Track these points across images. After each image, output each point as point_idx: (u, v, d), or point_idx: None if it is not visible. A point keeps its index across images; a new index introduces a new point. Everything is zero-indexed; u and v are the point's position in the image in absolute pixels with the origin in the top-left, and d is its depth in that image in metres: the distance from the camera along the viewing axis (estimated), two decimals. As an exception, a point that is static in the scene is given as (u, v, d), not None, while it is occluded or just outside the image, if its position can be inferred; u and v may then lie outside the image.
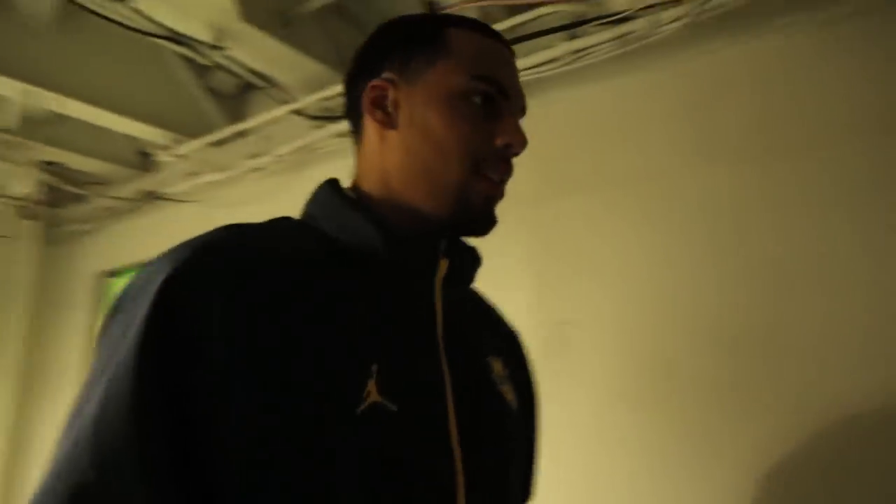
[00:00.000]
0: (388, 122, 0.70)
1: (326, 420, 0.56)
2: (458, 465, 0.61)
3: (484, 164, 0.68)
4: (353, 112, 0.74)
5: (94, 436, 0.52)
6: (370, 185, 0.72)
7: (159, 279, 0.55)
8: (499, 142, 0.69)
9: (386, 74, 0.70)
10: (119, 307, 0.58)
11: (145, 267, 0.60)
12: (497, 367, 0.74)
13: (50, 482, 0.52)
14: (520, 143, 0.69)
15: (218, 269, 0.57)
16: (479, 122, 0.69)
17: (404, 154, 0.69)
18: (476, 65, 0.69)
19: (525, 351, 0.86)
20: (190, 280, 0.56)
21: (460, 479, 0.61)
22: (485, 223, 0.70)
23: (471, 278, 0.76)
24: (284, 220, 0.70)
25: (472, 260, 0.74)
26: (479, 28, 0.73)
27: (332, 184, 0.73)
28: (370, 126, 0.72)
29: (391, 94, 0.70)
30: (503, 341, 0.83)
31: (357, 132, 0.74)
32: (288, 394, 0.55)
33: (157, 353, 0.53)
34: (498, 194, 0.71)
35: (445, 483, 0.60)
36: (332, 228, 0.69)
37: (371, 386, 0.58)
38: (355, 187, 0.73)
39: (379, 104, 0.70)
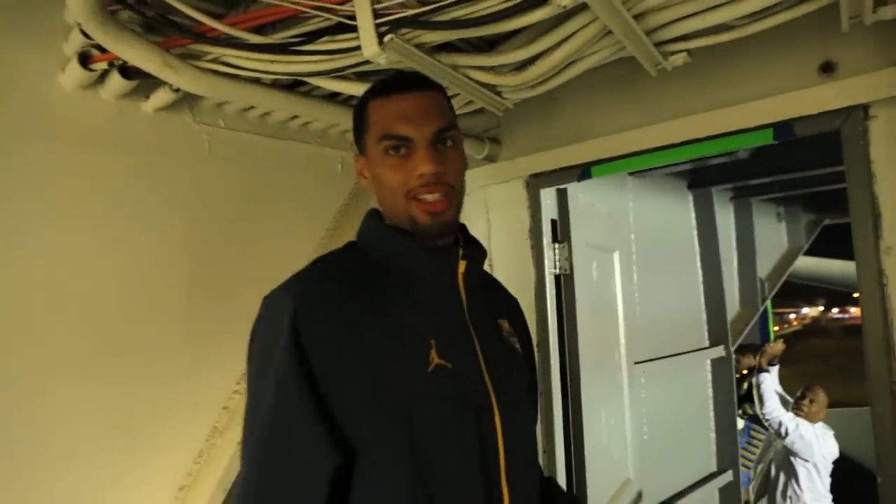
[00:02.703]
0: (367, 182, 1.08)
1: (410, 378, 0.95)
2: (491, 393, 1.01)
3: (414, 192, 1.00)
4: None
5: (274, 422, 0.92)
6: (387, 218, 1.07)
7: (288, 315, 0.92)
8: (416, 173, 1.00)
9: (356, 151, 1.10)
10: (257, 336, 0.98)
11: (272, 299, 0.98)
12: (505, 325, 1.14)
13: (253, 467, 0.92)
14: (425, 169, 0.99)
15: (321, 298, 0.95)
16: (400, 166, 1.01)
17: (379, 199, 1.07)
18: (380, 128, 1.02)
19: (521, 310, 1.25)
20: (305, 310, 0.93)
21: (493, 401, 1.01)
22: (439, 228, 1.02)
23: (481, 268, 1.13)
24: (351, 247, 1.09)
25: (482, 255, 1.12)
26: (386, 90, 1.04)
27: (377, 215, 1.09)
28: (363, 185, 1.09)
29: (360, 164, 1.09)
30: (507, 306, 1.21)
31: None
32: (384, 366, 0.94)
33: (300, 361, 0.91)
34: (436, 208, 1.01)
35: (484, 404, 1.00)
36: (380, 249, 1.05)
37: (433, 354, 0.97)
38: (386, 217, 1.08)
39: (361, 174, 1.09)
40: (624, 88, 2.14)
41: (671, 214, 4.02)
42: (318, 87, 1.81)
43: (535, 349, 2.49)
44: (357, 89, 1.71)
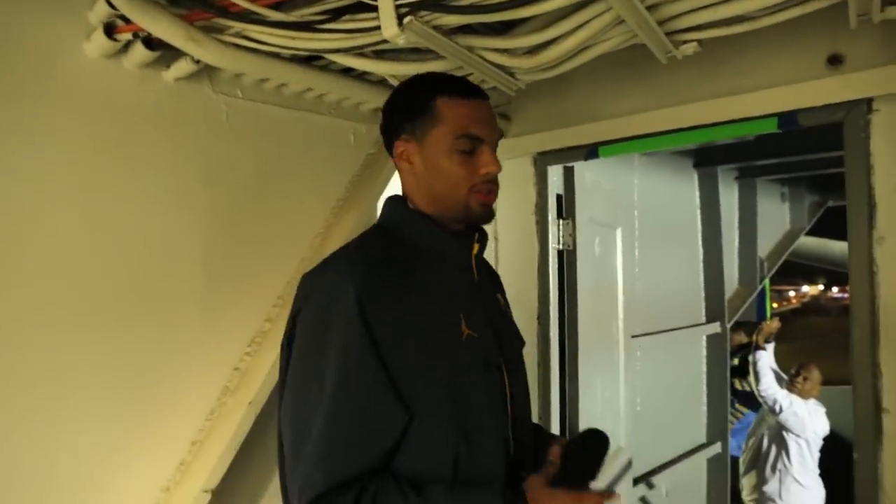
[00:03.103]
0: (411, 169, 1.16)
1: (452, 349, 1.09)
2: (500, 355, 1.17)
3: (477, 186, 1.13)
4: (390, 153, 1.20)
5: (348, 388, 1.01)
6: (417, 202, 1.18)
7: (351, 295, 1.02)
8: (481, 171, 1.13)
9: (405, 136, 1.15)
10: (313, 314, 1.07)
11: (326, 282, 1.08)
12: (501, 299, 1.33)
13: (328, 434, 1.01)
14: (493, 169, 1.13)
15: (376, 279, 1.05)
16: (467, 162, 1.13)
17: (427, 186, 1.16)
18: (457, 127, 1.12)
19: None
20: (365, 292, 1.02)
21: (503, 364, 1.17)
22: (485, 219, 1.18)
23: (484, 250, 1.25)
24: (381, 230, 1.18)
25: (486, 238, 1.24)
26: (455, 91, 1.14)
27: (402, 200, 1.19)
28: (402, 169, 1.19)
29: (410, 150, 1.16)
30: (498, 282, 1.38)
31: (395, 167, 1.20)
32: (433, 339, 1.08)
33: (370, 336, 1.01)
34: (490, 200, 1.16)
35: (497, 363, 1.16)
36: (411, 233, 1.15)
37: (463, 326, 1.12)
38: (412, 202, 1.18)
39: (404, 157, 1.17)
40: (634, 73, 2.17)
41: (675, 192, 4.06)
42: (335, 62, 1.85)
43: (536, 322, 2.58)
44: (374, 67, 1.75)
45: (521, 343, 1.34)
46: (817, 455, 4.18)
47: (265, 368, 1.90)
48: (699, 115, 2.02)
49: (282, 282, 2.09)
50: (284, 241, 2.12)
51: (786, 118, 1.88)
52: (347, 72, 2.00)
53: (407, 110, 1.16)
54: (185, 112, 1.85)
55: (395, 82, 2.00)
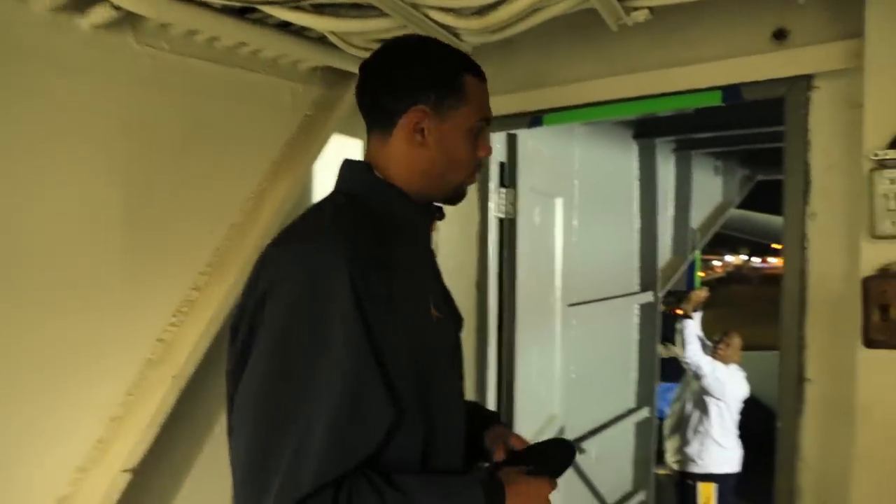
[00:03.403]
0: (421, 142, 1.05)
1: (423, 328, 1.02)
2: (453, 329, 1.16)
3: (472, 169, 1.11)
4: (382, 118, 1.06)
5: (340, 379, 0.90)
6: (395, 174, 1.07)
7: (343, 273, 0.91)
8: (481, 154, 1.11)
9: (422, 107, 1.03)
10: (295, 293, 0.93)
11: (306, 254, 0.95)
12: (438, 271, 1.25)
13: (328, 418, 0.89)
14: (490, 152, 1.14)
15: (365, 256, 0.94)
16: (475, 144, 1.09)
17: (429, 164, 1.06)
18: (480, 109, 1.08)
19: None
20: (357, 271, 0.91)
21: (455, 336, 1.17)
22: (461, 199, 1.14)
23: None
24: (351, 199, 1.05)
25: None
26: (479, 73, 1.09)
27: (367, 166, 1.08)
28: (401, 139, 1.05)
29: (425, 123, 1.04)
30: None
31: (383, 133, 1.06)
32: (413, 322, 1.00)
33: (364, 320, 0.91)
34: (474, 181, 1.14)
35: (455, 339, 1.16)
36: (378, 204, 1.05)
37: (432, 308, 1.05)
38: (381, 172, 1.07)
39: (416, 129, 1.04)
40: (582, 38, 2.13)
41: (615, 163, 4.09)
42: (271, 16, 1.73)
43: (476, 289, 2.56)
44: (312, 22, 1.65)
45: (461, 322, 1.26)
46: (737, 417, 4.37)
47: (192, 340, 1.81)
48: (646, 84, 2.00)
49: (210, 248, 1.97)
50: (214, 206, 2.00)
51: (729, 91, 1.89)
52: (284, 27, 1.88)
53: (434, 82, 1.04)
54: (105, 63, 1.69)
55: (336, 40, 1.89)
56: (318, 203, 1.09)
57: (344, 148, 2.60)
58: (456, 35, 1.87)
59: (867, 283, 1.45)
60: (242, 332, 0.97)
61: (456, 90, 1.05)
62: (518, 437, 1.18)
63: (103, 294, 1.71)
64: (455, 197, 1.13)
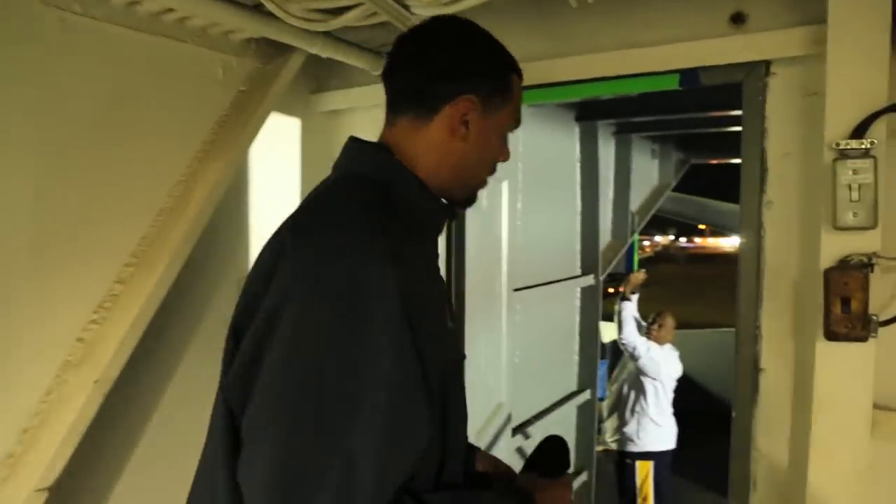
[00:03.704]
0: (463, 135, 0.96)
1: (443, 337, 0.94)
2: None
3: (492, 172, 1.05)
4: (425, 101, 0.95)
5: (390, 411, 0.79)
6: (422, 164, 0.96)
7: (389, 276, 0.81)
8: (503, 158, 1.04)
9: (474, 97, 0.95)
10: (336, 301, 0.80)
11: (343, 249, 0.82)
12: None
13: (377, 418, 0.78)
14: (509, 157, 1.06)
15: (405, 258, 0.83)
16: (503, 146, 1.04)
17: (462, 159, 0.98)
18: (517, 112, 1.04)
19: None
20: (399, 269, 0.81)
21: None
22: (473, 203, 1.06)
23: None
24: (376, 187, 0.92)
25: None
26: (521, 75, 1.05)
27: (388, 150, 0.96)
28: (443, 127, 0.95)
29: (472, 115, 0.95)
30: None
31: (419, 117, 0.96)
32: (440, 329, 0.93)
33: (411, 330, 0.81)
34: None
35: (462, 349, 1.20)
36: (401, 194, 0.93)
37: (447, 316, 0.97)
38: (404, 158, 0.96)
39: (462, 119, 0.95)
40: (538, 15, 2.04)
41: (557, 145, 4.05)
42: (200, -22, 1.55)
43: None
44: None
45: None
46: (671, 396, 4.47)
47: (116, 338, 1.64)
48: (602, 66, 1.93)
49: (136, 237, 1.80)
50: (139, 190, 1.82)
51: (687, 75, 1.84)
52: (215, -9, 1.70)
53: (489, 73, 0.98)
54: (5, 25, 1.48)
55: (273, 8, 1.73)
56: (336, 185, 0.96)
57: (282, 127, 2.44)
58: (405, 6, 1.74)
59: (828, 274, 1.43)
60: (255, 331, 0.83)
61: (503, 88, 0.99)
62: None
63: (12, 291, 1.53)
64: (470, 199, 1.05)
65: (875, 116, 1.42)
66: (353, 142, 1.00)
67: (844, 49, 1.49)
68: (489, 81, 0.97)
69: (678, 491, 4.83)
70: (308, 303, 0.80)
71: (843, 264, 1.44)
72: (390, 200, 0.91)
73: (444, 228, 2.31)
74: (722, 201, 6.46)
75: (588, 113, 4.07)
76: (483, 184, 1.04)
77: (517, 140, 3.54)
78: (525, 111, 3.28)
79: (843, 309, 1.41)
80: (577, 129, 4.18)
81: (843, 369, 1.49)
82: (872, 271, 1.42)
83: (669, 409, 4.48)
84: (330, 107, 2.55)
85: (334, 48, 2.13)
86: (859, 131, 1.44)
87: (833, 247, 1.48)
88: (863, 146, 1.43)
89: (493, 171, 1.04)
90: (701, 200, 6.58)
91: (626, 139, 4.70)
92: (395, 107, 0.98)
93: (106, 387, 1.59)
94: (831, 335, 1.43)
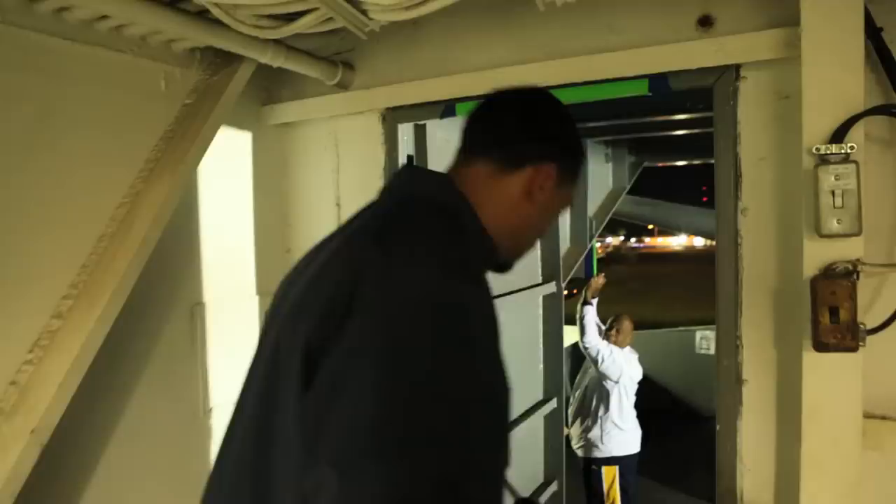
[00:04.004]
0: (535, 198, 0.97)
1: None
2: None
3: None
4: (511, 154, 0.97)
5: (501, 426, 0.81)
6: (487, 213, 0.95)
7: (487, 297, 0.83)
8: (545, 232, 1.07)
9: (554, 167, 0.97)
10: (474, 327, 0.79)
11: (471, 288, 0.82)
12: None
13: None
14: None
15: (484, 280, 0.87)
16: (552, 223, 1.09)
17: (525, 221, 1.00)
18: (572, 197, 1.05)
19: None
20: (489, 294, 0.84)
21: None
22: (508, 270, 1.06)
23: None
24: (451, 217, 0.92)
25: None
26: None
27: (459, 191, 0.95)
28: (520, 184, 0.97)
29: (548, 183, 0.97)
30: None
31: (499, 168, 0.96)
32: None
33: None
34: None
35: None
36: (468, 229, 0.93)
37: None
38: (478, 210, 0.95)
39: (539, 183, 0.96)
40: (500, 20, 1.97)
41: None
42: (138, -18, 1.42)
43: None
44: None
45: None
46: (633, 399, 4.48)
47: (55, 381, 1.48)
48: (568, 71, 1.86)
49: (74, 266, 1.64)
50: (76, 214, 1.66)
51: (656, 81, 1.79)
52: (155, -3, 1.57)
53: (572, 153, 1.03)
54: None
55: (220, 14, 1.61)
56: (413, 206, 0.93)
57: (232, 141, 2.30)
58: (363, 11, 1.64)
59: (815, 284, 1.39)
60: (351, 352, 0.77)
61: (576, 169, 1.03)
62: None
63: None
64: (510, 262, 1.04)
65: (854, 120, 1.39)
66: (417, 167, 1.11)
67: (819, 52, 1.45)
68: (570, 159, 1.01)
69: (645, 492, 4.84)
70: (418, 326, 0.77)
71: (829, 272, 1.40)
72: (460, 228, 0.92)
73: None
74: (673, 203, 6.56)
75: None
76: (529, 250, 1.07)
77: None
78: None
79: (832, 319, 1.36)
80: (533, 136, 4.14)
81: (831, 380, 1.45)
82: (858, 278, 1.38)
83: (632, 413, 4.49)
84: (282, 119, 2.42)
85: (286, 57, 2.01)
86: (838, 135, 1.40)
87: (816, 254, 1.44)
88: (843, 151, 1.39)
89: (536, 242, 1.09)
90: (654, 202, 6.66)
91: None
92: (477, 149, 0.99)
93: (44, 436, 1.43)
94: (820, 346, 1.38)
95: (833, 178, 1.38)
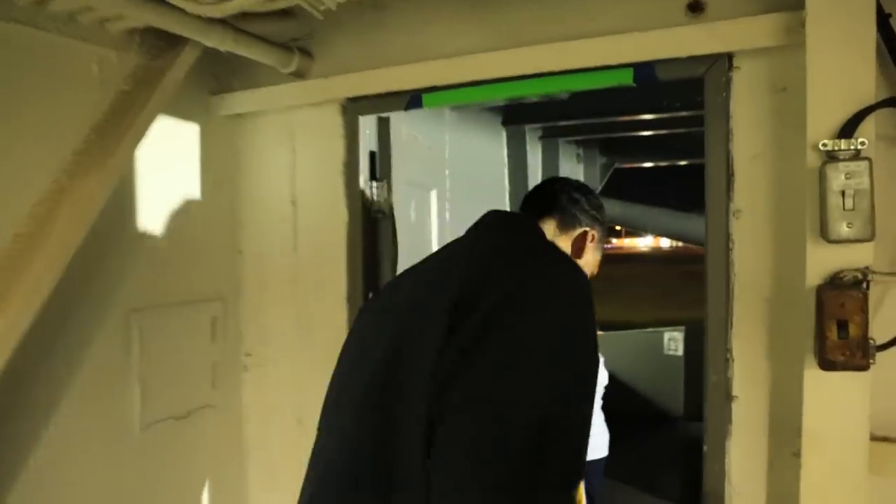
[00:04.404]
0: (581, 252, 1.39)
1: None
2: None
3: None
4: (571, 217, 1.38)
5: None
6: None
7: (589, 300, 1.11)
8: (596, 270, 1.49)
9: (595, 232, 1.41)
10: (584, 308, 1.08)
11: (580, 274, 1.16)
12: None
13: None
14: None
15: None
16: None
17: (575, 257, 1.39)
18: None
19: None
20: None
21: None
22: None
23: None
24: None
25: None
26: None
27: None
28: (571, 239, 1.38)
29: (590, 243, 1.40)
30: None
31: (562, 225, 1.38)
32: None
33: None
34: None
35: None
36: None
37: None
38: None
39: (586, 242, 1.39)
40: (470, 3, 1.80)
41: (484, 150, 3.87)
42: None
43: (346, 304, 2.17)
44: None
45: None
46: (601, 402, 4.37)
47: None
48: (546, 59, 1.70)
49: (-19, 272, 1.42)
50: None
51: (642, 70, 1.64)
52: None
53: (603, 225, 1.44)
54: None
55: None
56: (531, 234, 1.30)
57: (177, 132, 2.09)
58: (320, -11, 1.46)
59: (822, 295, 1.25)
60: (473, 330, 0.98)
61: (602, 237, 1.44)
62: None
63: None
64: None
65: (865, 112, 1.26)
66: (506, 213, 1.44)
67: (826, 38, 1.32)
68: (601, 229, 1.43)
69: (612, 494, 4.73)
70: (563, 310, 1.06)
71: (836, 282, 1.27)
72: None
73: (382, 239, 2.14)
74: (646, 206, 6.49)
75: (514, 117, 3.90)
76: None
77: (444, 146, 3.31)
78: (450, 115, 3.06)
79: (840, 334, 1.22)
80: (503, 134, 4.00)
81: (836, 401, 1.31)
82: (868, 289, 1.25)
83: (600, 416, 4.38)
84: (233, 110, 2.21)
85: (234, 40, 1.81)
86: (847, 130, 1.27)
87: (822, 262, 1.30)
88: (853, 147, 1.26)
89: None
90: (625, 204, 6.58)
91: (553, 143, 4.57)
92: (549, 210, 1.37)
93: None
94: (827, 364, 1.24)
95: (843, 177, 1.25)
